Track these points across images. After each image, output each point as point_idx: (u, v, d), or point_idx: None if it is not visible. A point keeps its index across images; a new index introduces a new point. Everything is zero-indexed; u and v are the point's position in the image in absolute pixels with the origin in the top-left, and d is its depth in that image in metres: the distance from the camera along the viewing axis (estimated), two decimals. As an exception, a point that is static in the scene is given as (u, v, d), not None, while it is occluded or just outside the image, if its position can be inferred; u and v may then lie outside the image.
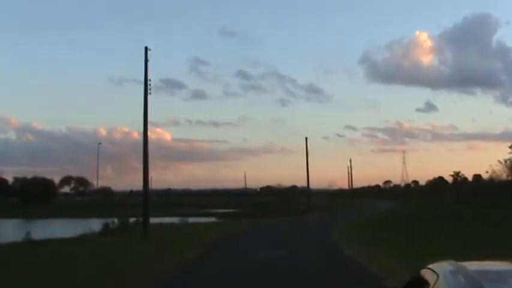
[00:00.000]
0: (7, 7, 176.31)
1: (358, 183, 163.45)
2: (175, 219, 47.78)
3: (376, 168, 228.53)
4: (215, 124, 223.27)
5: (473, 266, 3.26)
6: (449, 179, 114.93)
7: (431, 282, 3.07)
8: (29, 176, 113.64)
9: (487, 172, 79.05)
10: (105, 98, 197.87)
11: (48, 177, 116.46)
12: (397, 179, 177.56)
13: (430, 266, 3.41)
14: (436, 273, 3.14)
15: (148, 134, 30.12)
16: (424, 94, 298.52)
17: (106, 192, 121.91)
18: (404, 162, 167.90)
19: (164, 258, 19.33)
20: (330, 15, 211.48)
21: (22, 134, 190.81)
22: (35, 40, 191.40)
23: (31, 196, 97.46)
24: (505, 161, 69.38)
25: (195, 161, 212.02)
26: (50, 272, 14.70)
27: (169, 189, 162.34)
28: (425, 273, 3.35)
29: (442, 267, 3.25)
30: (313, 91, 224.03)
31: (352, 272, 16.44)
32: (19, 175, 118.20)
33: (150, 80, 29.18)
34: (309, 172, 75.24)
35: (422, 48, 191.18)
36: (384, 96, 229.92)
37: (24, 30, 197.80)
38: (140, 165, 30.23)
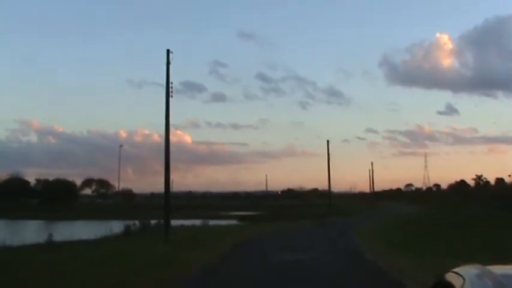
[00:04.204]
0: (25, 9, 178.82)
1: (379, 186, 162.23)
2: (196, 222, 47.79)
3: (398, 171, 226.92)
4: (235, 127, 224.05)
5: (499, 269, 3.18)
6: (471, 183, 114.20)
7: (457, 286, 2.98)
8: (51, 178, 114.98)
9: (509, 176, 78.23)
10: (125, 101, 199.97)
11: (70, 179, 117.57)
12: (418, 182, 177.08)
13: (455, 269, 3.33)
14: (462, 277, 3.05)
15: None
16: (445, 97, 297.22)
17: (127, 194, 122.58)
18: (425, 166, 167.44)
19: (185, 260, 19.34)
20: (349, 18, 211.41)
21: (43, 137, 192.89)
22: (55, 43, 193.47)
23: (53, 198, 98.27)
24: None
25: (215, 164, 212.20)
26: (67, 274, 14.75)
27: (191, 191, 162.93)
28: (451, 277, 3.26)
29: (468, 270, 3.16)
30: (333, 94, 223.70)
31: (371, 276, 16.33)
32: (41, 177, 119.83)
33: (171, 83, 29.28)
34: (330, 175, 74.95)
35: (443, 51, 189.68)
36: (404, 99, 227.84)
37: (43, 33, 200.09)
38: (161, 168, 30.36)
